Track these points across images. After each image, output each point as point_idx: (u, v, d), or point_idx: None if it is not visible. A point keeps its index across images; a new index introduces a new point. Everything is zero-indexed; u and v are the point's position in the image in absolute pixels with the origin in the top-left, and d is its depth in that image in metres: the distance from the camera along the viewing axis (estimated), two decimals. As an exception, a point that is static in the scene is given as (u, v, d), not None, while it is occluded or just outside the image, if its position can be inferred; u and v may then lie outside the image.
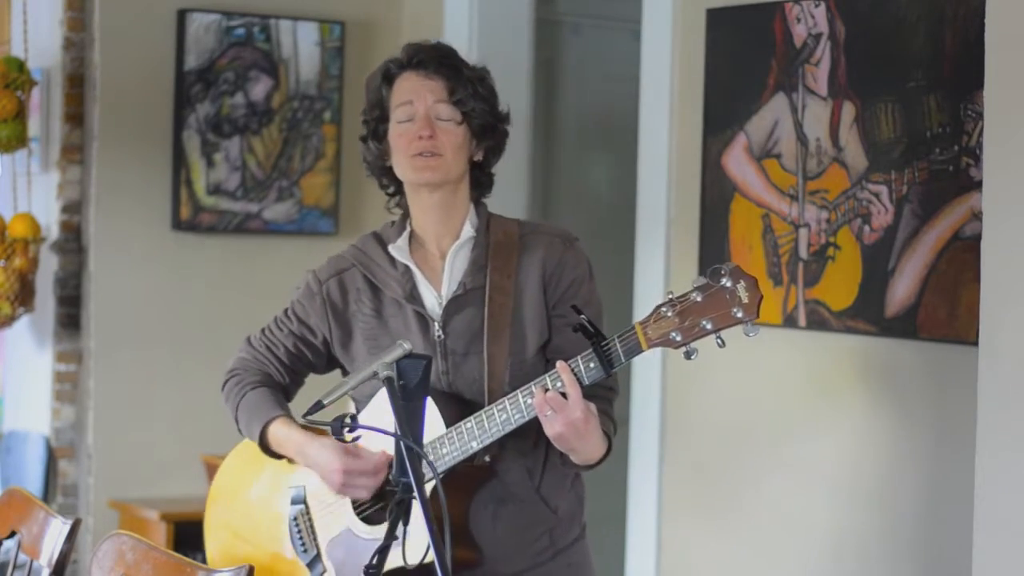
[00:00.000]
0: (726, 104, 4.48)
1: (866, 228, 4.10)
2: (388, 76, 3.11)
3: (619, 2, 5.62)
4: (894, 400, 4.09)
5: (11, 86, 5.32)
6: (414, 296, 3.07)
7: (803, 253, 4.26)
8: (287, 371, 3.19)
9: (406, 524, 2.64)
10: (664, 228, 4.68)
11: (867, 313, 4.10)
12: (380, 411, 2.99)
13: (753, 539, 4.42)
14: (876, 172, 4.08)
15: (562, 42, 6.01)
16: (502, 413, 2.91)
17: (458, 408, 3.02)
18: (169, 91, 5.44)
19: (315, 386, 3.10)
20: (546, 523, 3.10)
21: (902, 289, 4.02)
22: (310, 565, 3.12)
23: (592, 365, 2.86)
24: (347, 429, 2.79)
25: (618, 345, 2.85)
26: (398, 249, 3.10)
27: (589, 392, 2.88)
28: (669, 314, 2.82)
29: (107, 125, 5.41)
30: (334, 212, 5.66)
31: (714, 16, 4.51)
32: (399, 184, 3.14)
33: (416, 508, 2.59)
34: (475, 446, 2.95)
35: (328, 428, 2.76)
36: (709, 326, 2.81)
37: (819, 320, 4.21)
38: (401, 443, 2.60)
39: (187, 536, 5.04)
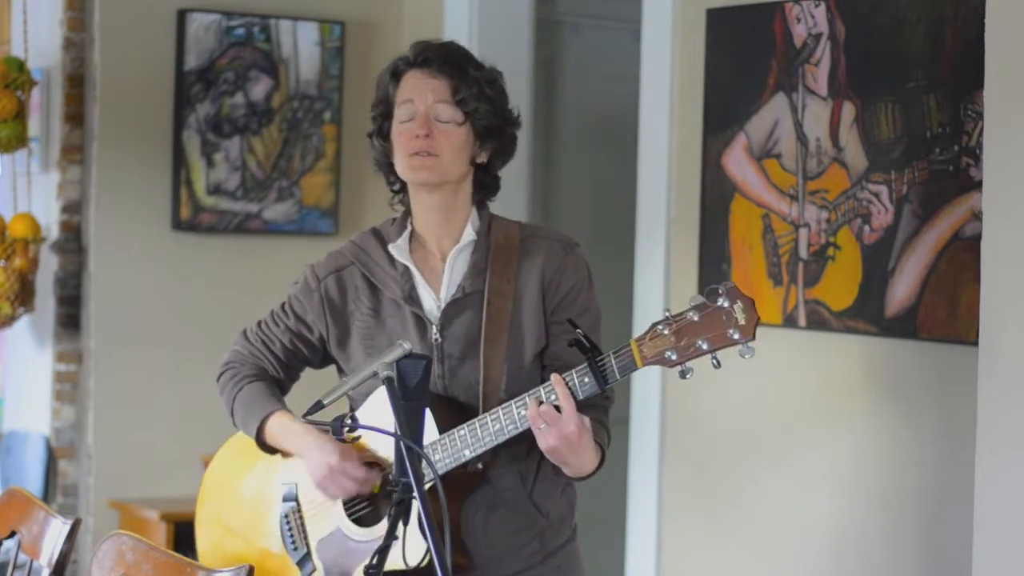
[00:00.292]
0: (726, 104, 4.48)
1: (866, 228, 4.10)
2: (395, 73, 3.09)
3: (619, 2, 5.62)
4: (894, 400, 4.09)
5: (11, 86, 5.32)
6: (412, 297, 3.06)
7: (803, 253, 4.26)
8: (282, 366, 3.18)
9: (406, 524, 2.64)
10: (664, 228, 4.68)
11: (867, 313, 4.10)
12: (377, 410, 2.99)
13: (753, 539, 4.42)
14: (876, 172, 4.08)
15: (562, 42, 6.01)
16: (495, 423, 2.91)
17: (453, 412, 3.01)
18: (169, 91, 5.44)
19: (316, 385, 3.10)
20: (537, 527, 3.10)
21: (902, 289, 4.02)
22: (300, 563, 3.12)
23: (587, 380, 2.85)
24: (347, 429, 2.79)
25: (613, 361, 2.85)
26: (398, 249, 3.09)
27: (584, 401, 2.88)
28: (665, 332, 2.81)
29: (107, 125, 5.41)
30: (334, 212, 5.66)
31: (714, 16, 4.51)
32: (404, 182, 3.13)
33: (415, 508, 2.59)
34: (468, 454, 2.94)
35: (328, 428, 2.77)
36: (705, 346, 2.80)
37: (819, 320, 4.21)
38: (401, 443, 2.60)
39: (187, 536, 5.01)
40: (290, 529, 3.14)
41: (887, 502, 4.09)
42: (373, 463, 3.05)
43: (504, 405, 2.91)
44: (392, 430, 2.66)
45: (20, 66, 5.36)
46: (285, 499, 3.15)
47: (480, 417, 2.93)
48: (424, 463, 2.61)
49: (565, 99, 6.01)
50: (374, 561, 2.59)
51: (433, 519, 2.55)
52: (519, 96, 5.47)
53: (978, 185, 3.70)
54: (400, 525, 2.64)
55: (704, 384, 4.51)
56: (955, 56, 3.89)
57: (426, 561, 2.87)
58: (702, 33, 4.55)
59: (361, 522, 3.07)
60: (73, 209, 5.48)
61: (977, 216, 3.76)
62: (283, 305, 3.19)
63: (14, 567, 3.12)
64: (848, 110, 4.14)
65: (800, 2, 4.25)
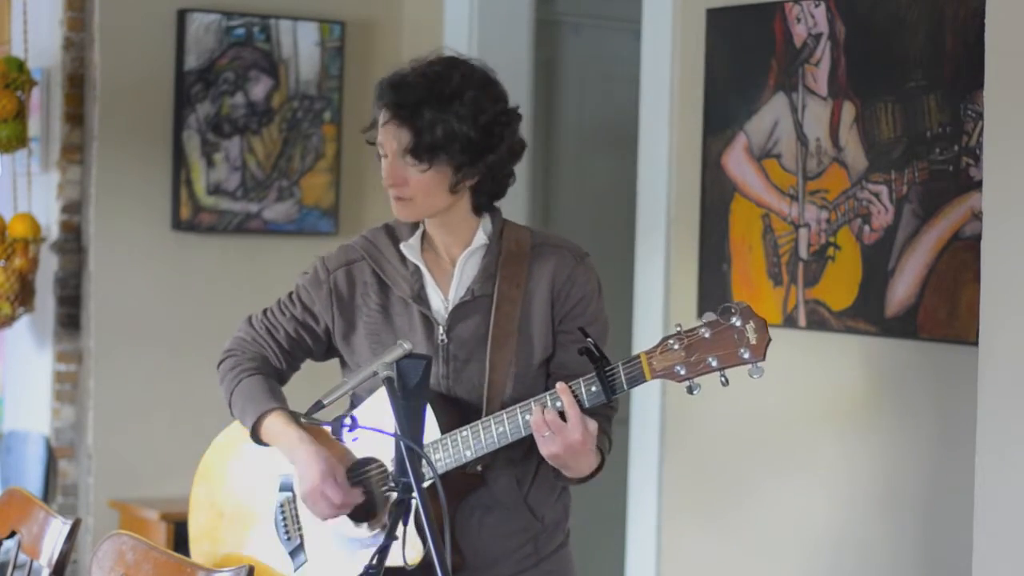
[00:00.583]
0: (726, 104, 4.48)
1: (866, 228, 4.10)
2: (378, 103, 3.08)
3: (619, 2, 5.62)
4: (894, 400, 4.09)
5: (11, 86, 5.31)
6: (421, 297, 3.07)
7: (803, 253, 4.26)
8: (285, 355, 3.18)
9: (406, 524, 2.65)
10: (664, 228, 4.68)
11: (867, 313, 4.10)
12: (380, 408, 2.99)
13: (753, 539, 4.42)
14: (876, 172, 4.08)
15: (562, 42, 6.01)
16: (499, 426, 2.92)
17: (455, 413, 3.01)
18: (169, 91, 5.44)
19: (321, 380, 3.11)
20: (531, 531, 3.10)
21: (902, 289, 4.02)
22: (292, 553, 3.13)
23: (594, 389, 2.86)
24: (347, 429, 2.80)
25: (622, 372, 2.85)
26: (410, 248, 3.09)
27: (589, 410, 2.88)
28: (676, 347, 2.82)
29: (107, 125, 5.41)
30: (334, 212, 5.66)
31: (714, 16, 4.51)
32: None
33: (414, 508, 2.60)
34: (469, 455, 2.95)
35: (328, 428, 2.77)
36: (715, 363, 2.81)
37: (819, 320, 4.21)
38: (401, 443, 2.60)
39: (187, 536, 5.03)
40: (284, 519, 3.14)
41: (886, 502, 4.09)
42: (357, 485, 3.05)
43: (509, 410, 2.92)
44: (392, 430, 2.67)
45: (20, 66, 5.36)
46: (281, 489, 3.16)
47: (483, 419, 2.94)
48: (424, 463, 2.61)
49: (565, 99, 6.01)
50: (374, 561, 2.59)
51: (433, 519, 2.56)
52: (519, 96, 5.47)
53: (978, 185, 3.70)
54: (400, 525, 2.64)
55: (704, 384, 4.50)
56: (955, 56, 3.89)
57: (422, 560, 2.87)
58: (702, 33, 4.55)
59: (355, 517, 3.08)
60: (73, 209, 5.48)
61: (977, 216, 3.76)
62: (291, 294, 3.19)
63: (14, 567, 3.12)
64: (848, 110, 4.14)
65: (800, 2, 4.25)
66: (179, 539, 5.16)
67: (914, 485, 4.02)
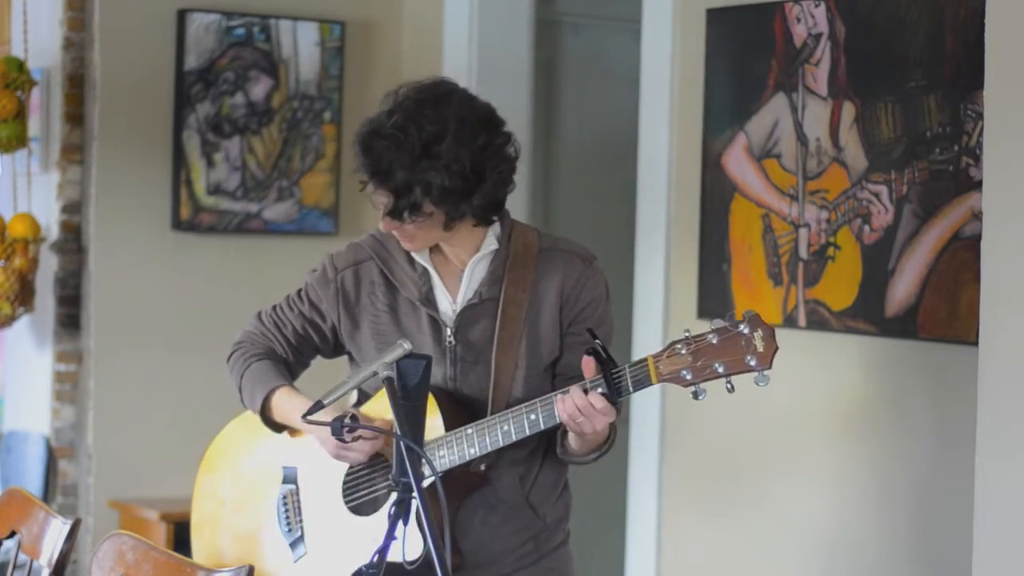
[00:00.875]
0: (726, 104, 4.48)
1: (866, 228, 4.10)
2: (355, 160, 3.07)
3: (619, 2, 5.62)
4: (894, 400, 4.09)
5: (11, 86, 5.31)
6: (429, 299, 3.07)
7: (803, 253, 4.25)
8: (292, 350, 3.19)
9: (406, 523, 2.65)
10: (664, 228, 4.68)
11: (867, 313, 4.10)
12: (384, 406, 3.00)
13: (753, 538, 4.42)
14: (876, 172, 4.08)
15: (562, 42, 6.01)
16: (504, 425, 2.93)
17: (461, 414, 3.02)
18: (169, 91, 5.44)
19: (326, 376, 3.11)
20: (532, 529, 3.11)
21: (902, 289, 4.02)
22: (292, 545, 3.14)
23: (600, 391, 2.87)
24: (347, 429, 2.80)
25: (628, 375, 2.86)
26: (418, 251, 3.10)
27: None
28: (683, 352, 2.83)
29: (107, 125, 5.40)
30: (334, 212, 5.66)
31: (714, 16, 4.51)
32: None
33: (414, 508, 2.60)
34: (473, 453, 2.96)
35: (328, 427, 2.77)
36: (721, 369, 2.82)
37: (819, 320, 4.21)
38: (401, 443, 2.60)
39: (187, 536, 5.02)
40: (286, 511, 3.15)
41: (886, 501, 4.08)
42: (360, 481, 3.07)
43: (514, 409, 2.93)
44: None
45: (20, 66, 5.36)
46: (285, 481, 3.17)
47: (489, 418, 2.95)
48: (424, 463, 2.62)
49: (565, 99, 6.01)
50: (374, 560, 2.60)
51: (433, 519, 2.56)
52: (519, 96, 5.51)
53: (978, 185, 3.70)
54: (400, 524, 2.65)
55: (708, 389, 4.50)
56: (955, 56, 3.89)
57: (421, 558, 2.87)
58: (702, 33, 4.55)
59: (357, 511, 3.08)
60: (73, 209, 5.48)
61: (977, 216, 3.76)
62: (299, 291, 3.20)
63: (14, 567, 3.12)
64: (848, 110, 4.14)
65: (800, 2, 4.25)
66: (179, 539, 5.15)
67: (913, 485, 4.02)
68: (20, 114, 5.33)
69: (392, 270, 3.10)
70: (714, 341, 2.82)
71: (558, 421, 2.90)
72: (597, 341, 2.85)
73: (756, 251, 4.38)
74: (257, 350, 3.18)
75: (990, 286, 3.24)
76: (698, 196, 4.55)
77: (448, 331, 3.05)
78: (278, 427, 3.17)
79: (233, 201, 5.50)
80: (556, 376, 3.08)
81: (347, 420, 2.91)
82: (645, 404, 4.74)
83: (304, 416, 2.88)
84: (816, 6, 4.21)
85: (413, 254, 3.09)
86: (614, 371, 2.86)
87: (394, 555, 2.70)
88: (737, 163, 4.44)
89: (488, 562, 3.08)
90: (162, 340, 5.47)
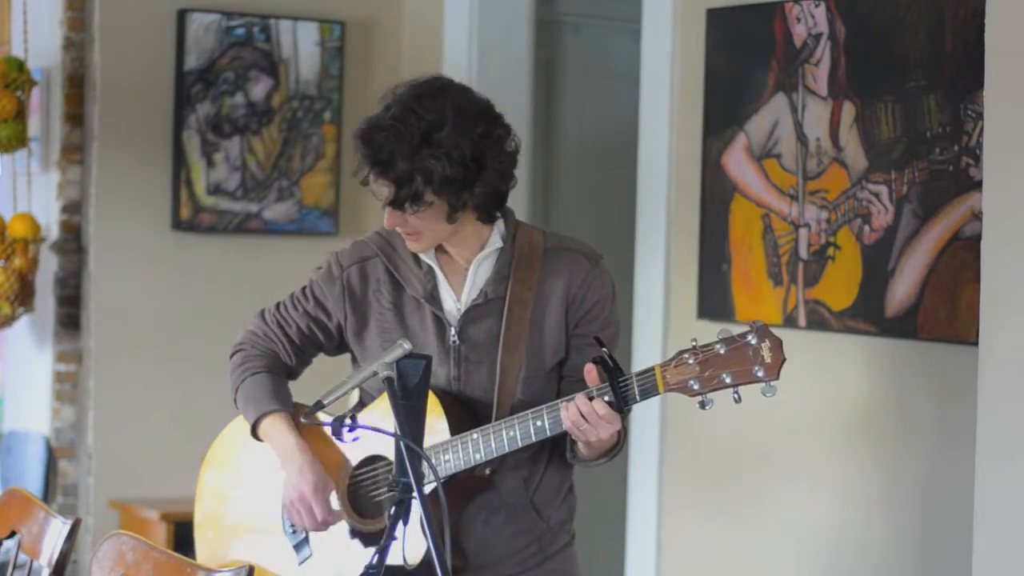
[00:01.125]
0: (726, 104, 4.48)
1: (866, 228, 4.10)
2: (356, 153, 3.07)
3: (619, 2, 5.62)
4: (894, 400, 4.09)
5: (11, 86, 5.31)
6: (434, 297, 3.07)
7: (803, 253, 4.25)
8: (295, 351, 3.19)
9: (406, 524, 2.65)
10: (664, 228, 4.68)
11: (867, 313, 4.10)
12: (387, 407, 2.99)
13: (753, 539, 4.42)
14: (876, 172, 4.08)
15: (562, 42, 6.01)
16: (510, 431, 2.92)
17: (465, 414, 3.02)
18: (169, 91, 5.44)
19: (331, 374, 3.11)
20: (536, 531, 3.11)
21: (902, 289, 4.02)
22: (296, 547, 3.13)
23: (607, 399, 2.86)
24: (347, 429, 2.80)
25: (635, 384, 2.86)
26: None
27: None
28: (690, 361, 2.83)
29: (107, 125, 5.41)
30: (334, 212, 5.66)
31: (714, 16, 4.51)
32: None
33: (415, 509, 2.60)
34: (479, 458, 2.95)
35: (328, 427, 2.77)
36: (728, 380, 2.82)
37: (819, 320, 4.21)
38: (401, 443, 2.60)
39: (187, 536, 5.02)
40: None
41: (886, 501, 4.08)
42: (340, 508, 3.08)
43: (520, 415, 2.92)
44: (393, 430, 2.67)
45: (20, 66, 5.36)
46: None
47: (495, 424, 2.94)
48: (425, 464, 2.61)
49: (565, 99, 6.01)
50: (374, 561, 2.59)
51: (433, 519, 2.56)
52: (519, 96, 5.51)
53: (978, 185, 3.70)
54: (400, 525, 2.64)
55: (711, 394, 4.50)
56: (955, 56, 3.89)
57: (423, 560, 2.87)
58: (702, 33, 4.55)
59: (361, 513, 3.08)
60: (73, 209, 5.48)
61: (977, 216, 3.76)
62: (304, 289, 3.19)
63: (14, 567, 3.12)
64: (848, 110, 4.14)
65: (800, 2, 4.25)
66: (179, 539, 5.16)
67: (913, 485, 4.02)
68: (20, 114, 5.33)
69: (398, 267, 3.09)
70: (721, 351, 2.82)
71: (564, 428, 2.90)
72: (604, 350, 2.85)
73: (756, 251, 4.38)
74: (258, 358, 3.18)
75: (990, 286, 3.24)
76: (698, 196, 4.55)
77: (452, 330, 3.05)
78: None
79: (233, 201, 5.50)
80: (563, 378, 3.08)
81: (347, 420, 2.91)
82: (645, 404, 4.72)
83: (305, 416, 2.88)
84: (816, 6, 4.21)
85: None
86: (621, 379, 2.85)
87: (397, 558, 2.71)
88: (737, 163, 4.44)
89: (491, 564, 3.08)
90: (162, 340, 5.47)
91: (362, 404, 3.15)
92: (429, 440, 2.92)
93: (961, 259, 3.86)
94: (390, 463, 3.05)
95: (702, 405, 2.84)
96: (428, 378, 2.71)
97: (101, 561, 2.86)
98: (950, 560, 3.88)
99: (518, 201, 5.38)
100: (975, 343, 3.50)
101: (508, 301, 3.03)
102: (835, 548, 4.21)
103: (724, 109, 4.48)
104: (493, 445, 2.93)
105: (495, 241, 3.06)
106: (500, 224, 3.07)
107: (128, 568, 2.82)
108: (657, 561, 4.70)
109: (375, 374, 2.72)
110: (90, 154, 5.44)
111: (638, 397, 2.86)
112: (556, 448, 3.08)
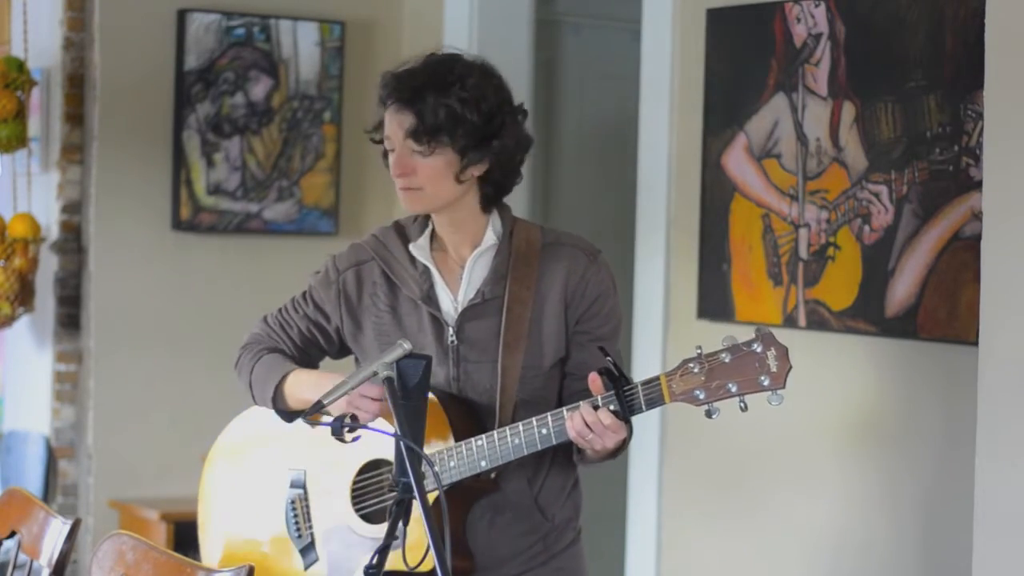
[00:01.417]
0: (726, 104, 4.48)
1: (866, 228, 4.10)
2: (381, 101, 3.08)
3: (619, 2, 5.62)
4: (894, 400, 4.09)
5: (11, 86, 5.31)
6: (431, 297, 3.06)
7: (803, 253, 4.26)
8: (299, 352, 3.18)
9: (406, 524, 2.64)
10: (664, 228, 4.68)
11: (867, 313, 4.10)
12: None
13: (753, 539, 4.42)
14: (876, 172, 4.08)
15: (562, 42, 6.01)
16: (515, 438, 2.91)
17: (467, 416, 3.01)
18: (169, 91, 5.44)
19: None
20: (541, 530, 3.10)
21: (902, 289, 4.02)
22: (303, 551, 3.13)
23: (612, 408, 2.85)
24: (347, 429, 2.80)
25: (641, 394, 2.85)
26: (419, 248, 3.08)
27: None
28: (696, 370, 2.82)
29: (107, 125, 5.41)
30: (334, 212, 5.66)
31: (714, 16, 4.51)
32: None
33: (415, 510, 2.59)
34: (484, 465, 2.95)
35: (328, 428, 2.77)
36: (734, 389, 2.81)
37: (819, 320, 4.21)
38: (401, 443, 2.60)
39: (187, 536, 5.03)
40: (295, 516, 3.14)
41: (886, 501, 4.08)
42: (367, 488, 3.08)
43: (525, 422, 2.92)
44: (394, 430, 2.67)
45: (20, 66, 5.36)
46: (293, 485, 3.16)
47: (500, 430, 2.93)
48: (426, 467, 2.61)
49: (565, 99, 6.01)
50: (374, 561, 2.59)
51: (434, 520, 2.56)
52: (519, 96, 5.44)
53: (978, 185, 3.70)
54: (400, 525, 2.64)
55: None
56: (955, 56, 3.89)
57: (425, 561, 2.87)
58: (702, 33, 4.55)
59: (368, 519, 3.08)
60: (73, 209, 5.48)
61: (977, 216, 3.76)
62: (304, 293, 3.19)
63: (14, 567, 3.12)
64: (848, 110, 4.14)
65: (800, 2, 4.25)
66: (179, 539, 5.16)
67: (914, 485, 4.02)
68: (20, 114, 5.34)
69: (393, 269, 3.09)
70: (727, 360, 2.81)
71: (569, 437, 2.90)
72: (609, 359, 2.84)
73: (756, 251, 4.38)
74: (264, 349, 3.18)
75: (990, 286, 3.24)
76: (698, 196, 4.55)
77: (450, 330, 3.04)
78: (290, 417, 3.14)
79: (233, 201, 5.51)
80: (566, 375, 3.07)
81: (347, 419, 2.90)
82: (645, 404, 4.73)
83: (304, 415, 2.87)
84: (816, 6, 4.21)
85: (414, 251, 3.08)
86: (627, 388, 2.84)
87: (396, 557, 2.71)
88: (737, 163, 4.44)
89: (497, 565, 3.07)
90: (162, 340, 5.47)
91: None
92: (435, 445, 2.92)
93: (961, 259, 3.86)
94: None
95: (708, 414, 2.83)
96: (428, 378, 2.70)
97: (101, 561, 2.86)
98: (951, 562, 3.88)
99: (518, 200, 5.38)
100: (975, 343, 3.50)
101: (507, 301, 3.02)
102: (836, 547, 4.21)
103: (724, 109, 4.48)
104: (499, 452, 2.92)
105: (490, 238, 3.06)
106: (496, 221, 3.07)
107: (128, 568, 2.82)
108: (657, 561, 4.70)
109: (375, 374, 2.71)
110: (90, 154, 5.44)
111: (644, 407, 2.85)
112: (560, 447, 3.07)
